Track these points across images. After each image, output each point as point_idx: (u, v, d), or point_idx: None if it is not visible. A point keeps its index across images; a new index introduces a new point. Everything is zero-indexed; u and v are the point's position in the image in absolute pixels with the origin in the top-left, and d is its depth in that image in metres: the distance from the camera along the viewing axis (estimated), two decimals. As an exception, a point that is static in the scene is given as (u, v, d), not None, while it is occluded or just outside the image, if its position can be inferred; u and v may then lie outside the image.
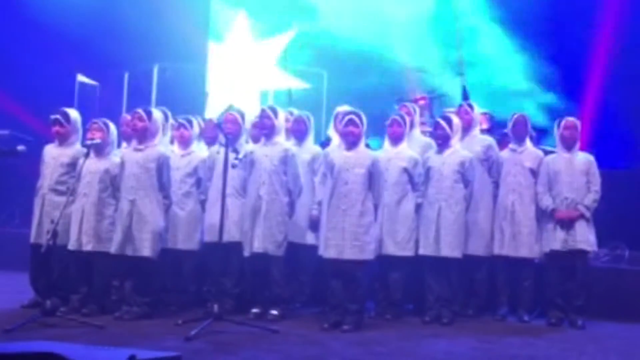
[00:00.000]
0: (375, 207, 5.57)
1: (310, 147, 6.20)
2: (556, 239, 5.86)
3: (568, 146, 5.99)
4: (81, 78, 8.98)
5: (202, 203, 6.04)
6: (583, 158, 5.99)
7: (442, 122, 5.96)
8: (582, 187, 5.91)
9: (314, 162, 6.07)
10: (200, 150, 6.24)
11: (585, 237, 5.83)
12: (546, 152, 6.23)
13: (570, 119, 6.05)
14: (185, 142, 6.11)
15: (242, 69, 9.87)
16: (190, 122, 6.16)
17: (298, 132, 6.16)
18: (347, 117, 5.57)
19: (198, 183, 6.06)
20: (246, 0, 10.03)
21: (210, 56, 9.98)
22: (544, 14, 8.90)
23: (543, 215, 5.98)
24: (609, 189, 6.01)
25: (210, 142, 6.30)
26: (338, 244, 5.42)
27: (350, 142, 5.55)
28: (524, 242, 5.98)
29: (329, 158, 5.67)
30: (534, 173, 6.05)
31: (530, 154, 6.13)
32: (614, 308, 6.21)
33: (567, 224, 5.85)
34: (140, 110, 5.75)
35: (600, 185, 5.90)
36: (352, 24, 9.46)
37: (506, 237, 6.01)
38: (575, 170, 5.93)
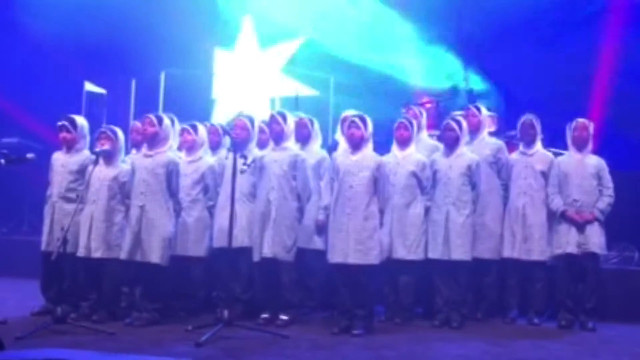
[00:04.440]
0: (381, 211, 5.57)
1: (316, 151, 6.19)
2: (568, 242, 5.85)
3: (579, 147, 5.98)
4: (89, 86, 9.00)
5: (210, 209, 6.05)
6: (594, 161, 5.98)
7: (453, 124, 5.95)
8: (592, 190, 5.90)
9: (319, 166, 6.07)
10: (207, 156, 6.23)
11: (597, 240, 5.83)
12: (556, 155, 6.21)
13: (581, 120, 6.04)
14: (190, 148, 6.11)
15: (250, 76, 9.89)
16: (194, 127, 6.15)
17: (301, 136, 6.16)
18: (349, 120, 5.58)
19: (205, 189, 6.06)
20: (253, 6, 10.05)
21: (217, 63, 10.01)
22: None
23: (554, 218, 5.97)
24: (617, 190, 5.98)
25: (214, 147, 6.31)
26: (343, 248, 5.42)
27: (353, 144, 5.55)
28: (536, 245, 5.97)
29: (335, 162, 5.68)
30: (545, 175, 6.04)
31: (541, 157, 6.12)
32: (624, 310, 6.21)
33: (578, 227, 5.83)
34: (151, 116, 5.77)
35: (613, 189, 5.89)
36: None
37: (517, 240, 6.00)
38: (586, 173, 5.92)
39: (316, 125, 6.29)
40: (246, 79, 9.88)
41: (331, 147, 6.61)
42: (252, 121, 6.07)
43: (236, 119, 6.17)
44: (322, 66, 9.44)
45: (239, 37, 10.07)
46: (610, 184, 5.92)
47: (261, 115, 6.90)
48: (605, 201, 5.88)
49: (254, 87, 9.78)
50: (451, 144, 5.95)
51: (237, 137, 5.80)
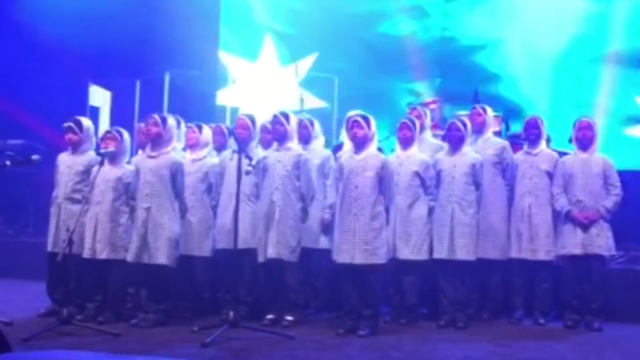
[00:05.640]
0: (387, 209, 5.56)
1: (319, 151, 6.19)
2: (573, 242, 5.82)
3: (583, 147, 5.95)
4: (93, 88, 9.03)
5: (213, 209, 6.04)
6: (600, 160, 5.94)
7: (458, 124, 5.94)
8: (597, 190, 5.86)
9: (323, 166, 6.07)
10: (211, 156, 6.24)
11: (603, 241, 5.79)
12: (561, 155, 6.19)
13: (585, 119, 6.02)
14: (194, 146, 6.10)
15: (269, 90, 9.96)
16: (199, 126, 6.15)
17: (301, 136, 6.14)
18: (352, 120, 5.59)
19: (209, 189, 6.06)
20: (275, 22, 10.11)
21: (238, 73, 10.10)
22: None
23: (559, 217, 5.96)
24: (623, 189, 5.95)
25: (219, 148, 6.31)
26: (349, 248, 5.41)
27: (356, 144, 5.55)
28: (542, 244, 5.95)
29: (339, 162, 5.68)
30: (550, 175, 6.02)
31: (546, 156, 6.10)
32: (630, 310, 6.17)
33: (584, 227, 5.81)
34: (155, 116, 5.78)
35: (620, 188, 5.86)
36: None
37: (524, 240, 5.98)
38: (591, 173, 5.88)
39: (317, 126, 6.29)
40: (266, 93, 9.95)
41: (336, 148, 6.60)
42: (253, 120, 6.06)
43: (237, 118, 6.17)
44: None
45: (260, 52, 10.17)
46: (618, 183, 5.87)
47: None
48: (612, 200, 5.85)
49: (273, 101, 9.83)
50: (456, 143, 5.94)
51: (239, 136, 5.79)
